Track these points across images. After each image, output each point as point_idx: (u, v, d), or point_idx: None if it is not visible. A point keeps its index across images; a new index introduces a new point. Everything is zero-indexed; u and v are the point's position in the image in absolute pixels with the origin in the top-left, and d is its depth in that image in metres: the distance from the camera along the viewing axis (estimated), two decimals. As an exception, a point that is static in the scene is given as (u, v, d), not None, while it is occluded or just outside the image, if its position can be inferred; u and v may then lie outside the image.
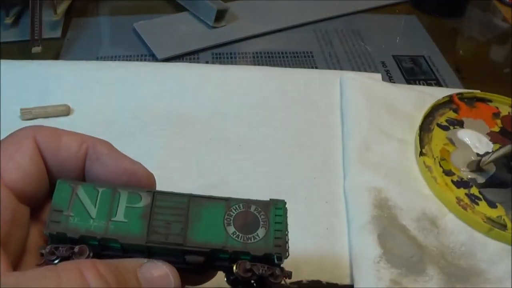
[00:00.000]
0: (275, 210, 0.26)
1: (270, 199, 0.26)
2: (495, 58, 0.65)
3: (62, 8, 0.63)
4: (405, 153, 0.48)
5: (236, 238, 0.24)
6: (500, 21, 0.71)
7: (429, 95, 0.53)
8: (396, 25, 0.69)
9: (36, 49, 0.57)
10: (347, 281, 0.38)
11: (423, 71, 0.60)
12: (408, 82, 0.58)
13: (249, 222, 0.25)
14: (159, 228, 0.24)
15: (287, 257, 0.25)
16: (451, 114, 0.51)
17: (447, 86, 0.58)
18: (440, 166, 0.45)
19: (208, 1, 0.63)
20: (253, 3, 0.69)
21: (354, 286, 0.37)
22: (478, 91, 0.53)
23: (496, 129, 0.50)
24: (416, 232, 0.41)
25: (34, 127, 0.26)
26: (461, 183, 0.44)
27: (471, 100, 0.53)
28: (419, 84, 0.58)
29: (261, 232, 0.25)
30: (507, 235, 0.40)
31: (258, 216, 0.25)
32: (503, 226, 0.41)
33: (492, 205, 0.43)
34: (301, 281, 0.38)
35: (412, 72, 0.60)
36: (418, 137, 0.47)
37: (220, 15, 0.63)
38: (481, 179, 0.45)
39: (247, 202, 0.26)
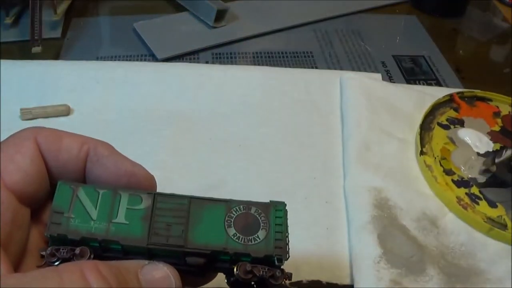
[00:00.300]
0: (275, 212, 0.26)
1: (270, 200, 0.26)
2: (495, 58, 0.65)
3: (62, 8, 0.63)
4: (405, 153, 0.48)
5: (237, 240, 0.24)
6: (500, 21, 0.71)
7: (429, 95, 0.53)
8: (396, 25, 0.69)
9: (36, 49, 0.57)
10: (347, 281, 0.38)
11: (423, 71, 0.60)
12: (408, 82, 0.58)
13: (250, 224, 0.25)
14: (160, 230, 0.24)
15: (288, 258, 0.25)
16: (452, 113, 0.51)
17: (447, 86, 0.58)
18: (441, 165, 0.45)
19: (208, 1, 0.63)
20: (253, 3, 0.69)
21: (354, 286, 0.37)
22: (479, 90, 0.53)
23: (497, 128, 0.50)
24: (416, 232, 0.41)
25: (35, 128, 0.26)
26: (461, 183, 0.44)
27: (472, 99, 0.53)
28: (419, 84, 0.58)
29: (261, 234, 0.25)
30: (507, 235, 0.40)
31: (259, 218, 0.25)
32: (504, 226, 0.41)
33: (492, 204, 0.43)
34: (301, 281, 0.38)
35: (412, 72, 0.60)
36: (418, 136, 0.47)
37: (220, 15, 0.63)
38: (481, 179, 0.45)
39: (248, 204, 0.26)
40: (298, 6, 0.69)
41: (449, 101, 0.52)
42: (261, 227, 0.25)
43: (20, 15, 0.63)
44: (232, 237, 0.25)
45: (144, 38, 0.61)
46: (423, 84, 0.58)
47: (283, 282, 0.25)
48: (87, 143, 0.26)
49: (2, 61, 0.52)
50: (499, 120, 0.51)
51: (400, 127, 0.50)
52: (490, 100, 0.53)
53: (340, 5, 0.70)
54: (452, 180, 0.44)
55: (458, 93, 0.52)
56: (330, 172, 0.46)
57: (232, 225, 0.25)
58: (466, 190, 0.44)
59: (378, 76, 0.57)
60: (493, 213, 0.42)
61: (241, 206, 0.26)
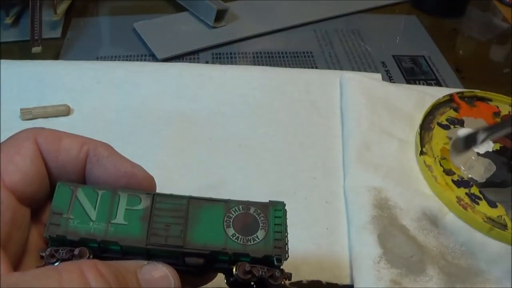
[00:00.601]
0: (275, 211, 0.26)
1: (269, 200, 0.26)
2: (495, 58, 0.65)
3: (62, 8, 0.63)
4: (405, 152, 0.48)
5: (236, 240, 0.24)
6: (500, 21, 0.71)
7: (429, 95, 0.52)
8: (396, 25, 0.69)
9: (36, 49, 0.57)
10: (347, 281, 0.38)
11: (423, 71, 0.60)
12: (408, 82, 0.58)
13: (249, 224, 0.25)
14: (158, 230, 0.24)
15: (287, 258, 0.25)
16: (452, 113, 0.51)
17: (447, 86, 0.58)
18: (441, 165, 0.45)
19: (208, 1, 0.63)
20: (253, 3, 0.69)
21: (354, 286, 0.37)
22: (478, 90, 0.53)
23: (496, 128, 0.50)
24: (416, 232, 0.41)
25: (35, 129, 0.26)
26: (461, 183, 0.44)
27: (472, 99, 0.53)
28: (419, 84, 0.58)
29: (260, 234, 0.25)
30: (507, 234, 0.40)
31: (258, 218, 0.25)
32: (503, 226, 0.41)
33: (492, 204, 0.43)
34: (301, 281, 0.38)
35: (412, 72, 0.60)
36: (418, 136, 0.47)
37: (220, 15, 0.63)
38: (481, 179, 0.45)
39: (247, 204, 0.26)
40: (298, 6, 0.69)
41: (449, 101, 0.52)
42: (260, 227, 0.25)
43: (20, 15, 0.63)
44: (231, 237, 0.25)
45: (144, 38, 0.61)
46: (423, 84, 0.58)
47: (282, 282, 0.25)
48: (86, 144, 0.26)
49: (2, 61, 0.52)
50: (499, 120, 0.51)
51: (400, 127, 0.50)
52: (490, 100, 0.53)
53: (340, 5, 0.70)
54: (452, 180, 0.44)
55: (458, 93, 0.52)
56: (330, 172, 0.46)
57: (231, 225, 0.25)
58: (466, 190, 0.44)
59: (378, 76, 0.57)
60: (493, 213, 0.42)
61: (240, 206, 0.26)
